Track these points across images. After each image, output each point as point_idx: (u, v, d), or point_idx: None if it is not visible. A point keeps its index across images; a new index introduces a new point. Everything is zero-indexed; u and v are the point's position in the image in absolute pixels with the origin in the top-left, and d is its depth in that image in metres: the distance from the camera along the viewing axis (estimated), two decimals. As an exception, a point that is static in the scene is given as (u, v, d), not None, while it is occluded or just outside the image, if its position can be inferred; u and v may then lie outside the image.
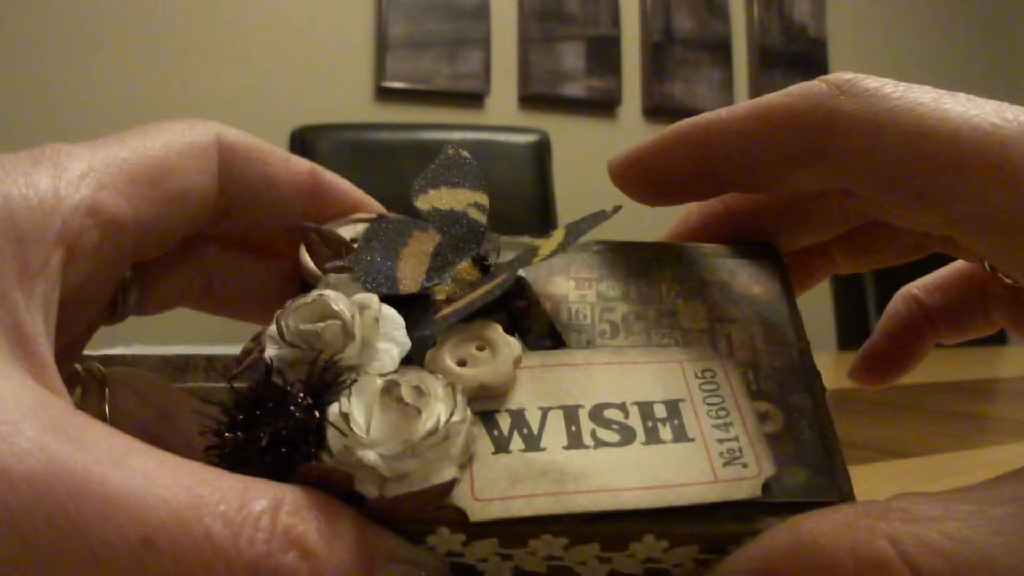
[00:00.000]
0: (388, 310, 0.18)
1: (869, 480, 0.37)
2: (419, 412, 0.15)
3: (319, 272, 0.20)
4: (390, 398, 0.15)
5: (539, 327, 0.19)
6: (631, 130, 2.06)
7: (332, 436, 0.15)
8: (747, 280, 0.21)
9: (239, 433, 0.15)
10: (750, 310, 0.20)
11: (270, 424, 0.15)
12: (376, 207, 0.23)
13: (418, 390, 0.15)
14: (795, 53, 2.20)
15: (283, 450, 0.15)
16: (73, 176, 0.16)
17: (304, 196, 0.22)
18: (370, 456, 0.15)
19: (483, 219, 0.22)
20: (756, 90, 2.15)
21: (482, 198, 0.22)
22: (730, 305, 0.20)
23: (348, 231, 0.21)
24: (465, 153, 0.24)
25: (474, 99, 1.90)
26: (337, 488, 0.15)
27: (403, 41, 1.83)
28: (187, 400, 0.22)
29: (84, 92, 1.55)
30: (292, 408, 0.15)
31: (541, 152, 1.38)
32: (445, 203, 0.22)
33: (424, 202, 0.22)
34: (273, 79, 1.70)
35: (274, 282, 0.23)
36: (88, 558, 0.12)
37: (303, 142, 1.24)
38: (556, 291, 0.20)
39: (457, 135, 1.39)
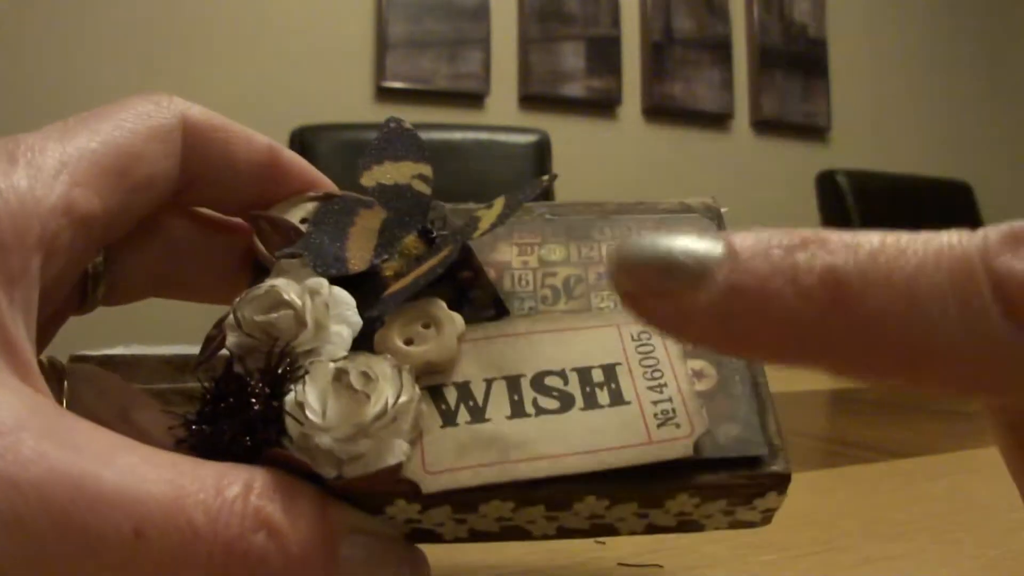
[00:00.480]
0: (338, 292, 0.19)
1: (869, 480, 0.37)
2: (368, 397, 0.16)
3: (272, 258, 0.21)
4: (341, 385, 0.16)
5: (484, 296, 0.20)
6: (631, 130, 2.06)
7: (290, 423, 0.16)
8: None
9: (204, 427, 0.16)
10: None
11: (233, 417, 0.16)
12: (330, 186, 0.23)
13: (366, 376, 0.17)
14: (795, 53, 2.20)
15: (247, 439, 0.16)
16: (48, 174, 0.16)
17: (263, 174, 0.22)
18: (325, 440, 0.16)
19: (427, 190, 0.22)
20: (756, 90, 2.15)
21: (425, 169, 0.23)
22: None
23: (301, 210, 0.22)
24: (407, 123, 0.24)
25: (474, 99, 1.90)
26: (299, 470, 0.16)
27: (403, 41, 1.83)
28: (147, 400, 0.22)
29: (84, 92, 1.55)
30: (252, 400, 0.16)
31: (541, 152, 1.38)
32: (389, 177, 0.22)
33: (369, 179, 0.22)
34: (273, 79, 1.70)
35: (239, 258, 0.23)
36: (87, 552, 0.13)
37: (303, 142, 1.24)
38: (500, 258, 0.21)
39: (457, 135, 1.39)
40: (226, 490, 0.14)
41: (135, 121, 0.19)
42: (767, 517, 0.18)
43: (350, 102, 1.78)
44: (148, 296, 0.23)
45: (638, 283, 0.13)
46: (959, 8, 2.45)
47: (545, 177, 0.21)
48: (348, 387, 0.16)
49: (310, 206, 0.22)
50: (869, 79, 2.29)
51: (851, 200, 1.50)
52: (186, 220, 0.23)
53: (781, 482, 0.17)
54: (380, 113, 1.81)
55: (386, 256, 0.21)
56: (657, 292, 0.13)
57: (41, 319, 0.18)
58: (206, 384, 0.17)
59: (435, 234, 0.21)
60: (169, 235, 0.22)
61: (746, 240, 0.13)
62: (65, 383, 0.21)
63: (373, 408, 0.16)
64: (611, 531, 0.18)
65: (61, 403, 0.20)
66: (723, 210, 0.23)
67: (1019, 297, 0.12)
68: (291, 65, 1.73)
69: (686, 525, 0.18)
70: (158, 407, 0.22)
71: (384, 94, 1.82)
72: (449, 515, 0.17)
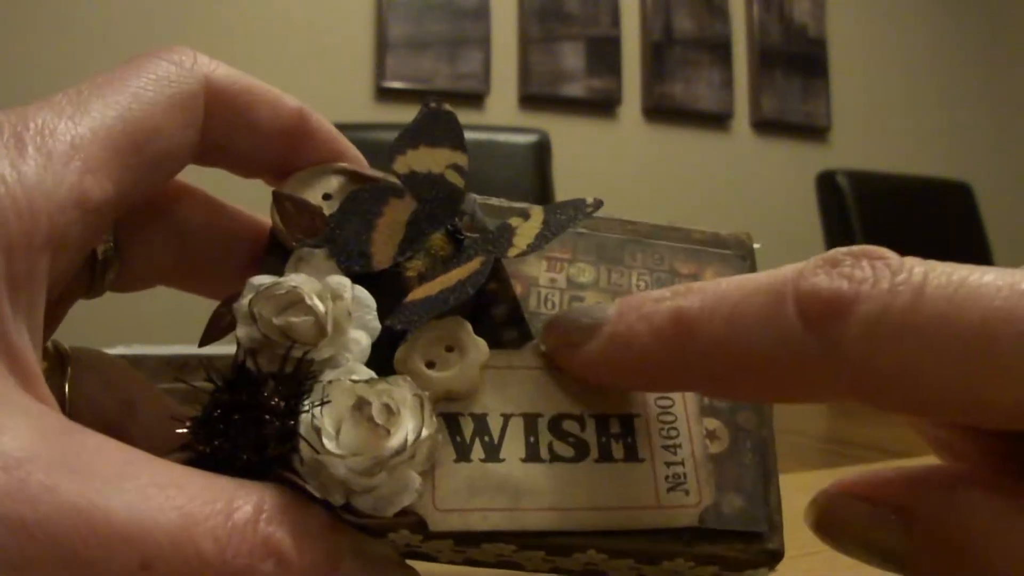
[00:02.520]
0: (360, 293, 0.18)
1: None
2: (388, 432, 0.16)
3: (290, 238, 0.20)
4: (361, 416, 0.16)
5: (507, 313, 0.19)
6: (631, 130, 2.06)
7: (303, 446, 0.16)
8: (716, 275, 0.21)
9: (217, 441, 0.16)
10: None
11: (246, 431, 0.16)
12: (358, 158, 0.22)
13: (388, 409, 0.16)
14: (795, 53, 2.20)
15: (259, 455, 0.16)
16: (59, 161, 0.15)
17: (288, 140, 0.21)
18: (340, 471, 0.15)
19: (461, 183, 0.21)
20: (756, 90, 2.15)
21: (462, 159, 0.22)
22: None
23: (323, 184, 0.21)
24: (447, 106, 0.23)
25: (474, 99, 1.90)
26: (306, 493, 0.16)
27: (403, 41, 1.83)
28: (152, 390, 0.21)
29: (84, 92, 1.55)
30: (268, 417, 0.16)
31: (541, 152, 1.38)
32: (423, 165, 0.21)
33: (402, 164, 0.21)
34: (273, 79, 1.68)
35: (251, 249, 0.22)
36: None
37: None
38: (528, 271, 0.20)
39: (457, 135, 1.39)
40: (236, 514, 0.14)
41: (155, 89, 0.18)
42: None
43: (350, 102, 1.78)
44: (158, 284, 0.22)
45: (555, 340, 0.18)
46: (959, 8, 2.45)
47: (591, 202, 0.20)
48: (369, 419, 0.16)
49: (334, 181, 0.21)
50: (869, 79, 2.29)
51: (851, 200, 1.50)
52: (200, 207, 0.22)
53: (774, 559, 0.18)
54: (380, 113, 1.81)
55: (410, 253, 0.20)
56: (565, 344, 0.18)
57: (47, 304, 0.17)
58: (218, 383, 0.16)
59: (464, 236, 0.20)
60: (182, 222, 0.21)
61: (629, 300, 0.17)
62: (69, 371, 0.20)
63: (392, 442, 0.16)
64: (601, 575, 0.19)
65: (63, 392, 0.20)
66: (756, 246, 0.22)
67: (815, 309, 0.14)
68: (291, 65, 1.73)
69: None
70: (163, 397, 0.22)
71: (384, 94, 1.82)
72: (450, 547, 0.17)
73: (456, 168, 0.21)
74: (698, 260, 0.21)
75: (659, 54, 2.06)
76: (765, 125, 2.17)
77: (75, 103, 0.17)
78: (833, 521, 0.17)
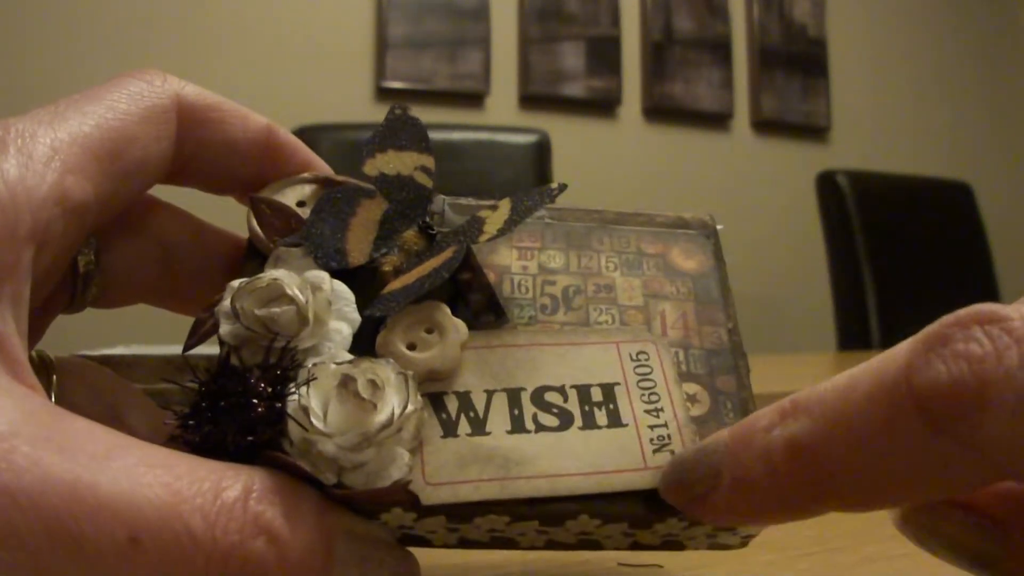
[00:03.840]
0: (339, 287, 0.19)
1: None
2: (374, 406, 0.16)
3: (268, 243, 0.20)
4: (347, 392, 0.16)
5: (482, 300, 0.20)
6: (631, 130, 2.06)
7: (292, 427, 0.16)
8: (681, 254, 0.22)
9: (206, 427, 0.16)
10: (684, 287, 0.21)
11: (233, 416, 0.16)
12: (325, 168, 0.23)
13: (373, 384, 0.16)
14: (795, 53, 2.20)
15: (249, 439, 0.16)
16: (39, 162, 0.16)
17: (259, 154, 0.22)
18: (329, 448, 0.16)
19: (429, 183, 0.22)
20: (756, 90, 2.15)
21: (428, 161, 0.22)
22: (665, 281, 0.21)
23: (295, 192, 0.22)
24: (412, 112, 0.24)
25: (474, 99, 1.90)
26: (298, 474, 0.16)
27: (403, 41, 1.83)
28: (139, 396, 0.22)
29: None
30: (255, 401, 0.16)
31: (541, 152, 1.38)
32: (392, 167, 0.22)
33: (372, 167, 0.22)
34: (273, 79, 1.70)
35: (230, 266, 0.22)
36: (82, 560, 0.13)
37: (303, 142, 1.24)
38: (499, 261, 0.21)
39: (457, 135, 1.39)
40: (224, 493, 0.14)
41: (128, 102, 0.18)
42: (745, 542, 0.19)
43: (350, 102, 1.78)
44: (139, 301, 0.22)
45: (679, 497, 0.17)
46: (959, 8, 2.45)
47: (555, 186, 0.21)
48: (355, 395, 0.16)
49: (306, 188, 0.22)
50: (869, 79, 2.29)
51: (851, 200, 1.50)
52: (180, 223, 0.22)
53: None
54: (380, 113, 1.80)
55: (385, 250, 0.20)
56: (689, 500, 0.17)
57: (31, 311, 0.18)
58: (201, 377, 0.17)
59: (436, 231, 0.21)
60: (163, 237, 0.22)
61: (739, 433, 0.16)
62: (54, 378, 0.20)
63: (379, 417, 0.16)
64: (597, 546, 0.19)
65: (50, 399, 0.20)
66: (719, 227, 0.23)
67: (940, 410, 0.13)
68: (291, 65, 1.73)
69: (669, 545, 0.19)
70: (151, 404, 0.22)
71: (384, 94, 1.82)
72: (443, 524, 0.17)
73: (424, 170, 0.22)
74: (663, 240, 0.22)
75: (659, 54, 2.06)
76: (765, 125, 2.17)
77: (53, 113, 0.17)
78: (923, 523, 0.17)
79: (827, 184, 1.53)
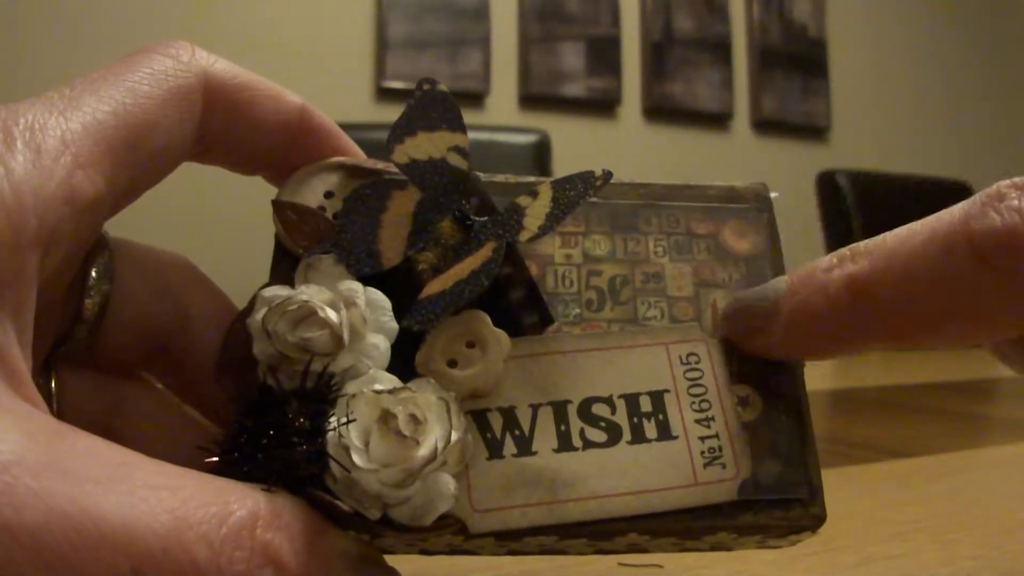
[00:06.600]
0: (373, 295, 0.18)
1: (869, 480, 0.37)
2: (417, 443, 0.15)
3: (295, 245, 0.19)
4: (387, 429, 0.16)
5: (526, 298, 0.19)
6: (631, 130, 2.06)
7: (334, 465, 0.15)
8: (734, 233, 0.21)
9: (246, 467, 0.15)
10: (737, 273, 0.20)
11: (274, 453, 0.15)
12: (359, 153, 0.21)
13: (414, 419, 0.16)
14: (795, 53, 2.20)
15: (290, 477, 0.15)
16: (48, 157, 0.15)
17: (289, 136, 0.20)
18: (373, 486, 0.15)
19: (464, 164, 0.20)
20: (756, 90, 2.15)
21: (462, 140, 0.21)
22: (716, 265, 0.20)
23: (322, 181, 0.20)
24: (441, 86, 0.22)
25: (474, 99, 1.90)
26: (340, 513, 0.15)
27: (403, 41, 1.83)
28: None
29: (84, 92, 1.55)
30: (295, 439, 0.15)
31: (541, 152, 1.38)
32: (423, 151, 0.21)
33: (401, 154, 0.20)
34: (273, 79, 1.69)
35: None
36: None
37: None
38: (542, 250, 0.20)
39: (457, 135, 1.39)
40: (230, 519, 0.14)
41: (151, 83, 0.17)
42: (794, 542, 0.19)
43: (350, 102, 1.78)
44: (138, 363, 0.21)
45: (739, 330, 0.19)
46: (959, 8, 2.45)
47: (598, 173, 0.19)
48: (396, 432, 0.15)
49: (334, 177, 0.20)
50: (869, 79, 2.29)
51: (851, 200, 1.50)
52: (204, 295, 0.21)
53: (817, 523, 0.17)
54: (380, 113, 1.81)
55: (421, 245, 0.19)
56: (749, 332, 0.18)
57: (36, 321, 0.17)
58: (241, 403, 0.16)
59: (472, 221, 0.19)
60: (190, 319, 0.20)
61: (799, 273, 0.18)
62: (52, 383, 0.19)
63: (422, 451, 0.15)
64: (645, 551, 0.19)
65: (51, 391, 0.19)
66: (773, 195, 0.22)
67: (990, 247, 0.15)
68: (291, 65, 1.73)
69: (717, 549, 0.19)
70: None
71: (384, 94, 1.82)
72: (492, 543, 0.17)
73: (457, 150, 0.21)
74: (714, 219, 0.21)
75: (659, 54, 2.06)
76: (765, 125, 2.17)
77: (67, 98, 0.16)
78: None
79: (827, 184, 1.53)
